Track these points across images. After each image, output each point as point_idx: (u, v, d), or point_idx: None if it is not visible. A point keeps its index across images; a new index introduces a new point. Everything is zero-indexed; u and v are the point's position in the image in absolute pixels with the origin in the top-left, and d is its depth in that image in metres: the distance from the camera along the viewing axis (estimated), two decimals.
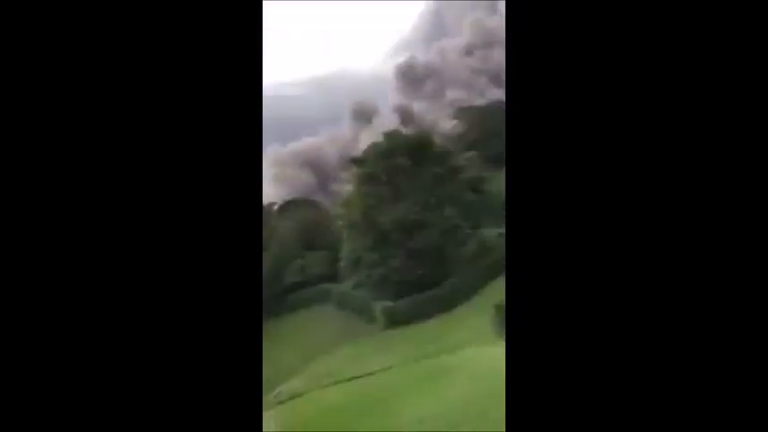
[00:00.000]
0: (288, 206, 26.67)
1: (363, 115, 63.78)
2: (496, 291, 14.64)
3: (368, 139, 62.24)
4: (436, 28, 75.48)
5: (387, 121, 62.10)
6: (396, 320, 14.78)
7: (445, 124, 58.85)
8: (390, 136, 17.10)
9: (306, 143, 59.75)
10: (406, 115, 61.42)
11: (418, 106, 61.68)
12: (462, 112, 47.44)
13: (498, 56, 57.90)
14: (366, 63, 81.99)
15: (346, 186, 21.09)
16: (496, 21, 60.05)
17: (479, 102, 59.70)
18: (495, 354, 8.57)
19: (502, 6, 65.58)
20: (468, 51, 61.43)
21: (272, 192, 44.87)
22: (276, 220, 22.31)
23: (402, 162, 15.96)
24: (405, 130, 61.77)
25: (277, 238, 19.97)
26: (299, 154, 57.06)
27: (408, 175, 16.01)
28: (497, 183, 18.66)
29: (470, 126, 37.83)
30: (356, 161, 16.43)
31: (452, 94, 61.00)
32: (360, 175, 16.03)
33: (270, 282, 17.22)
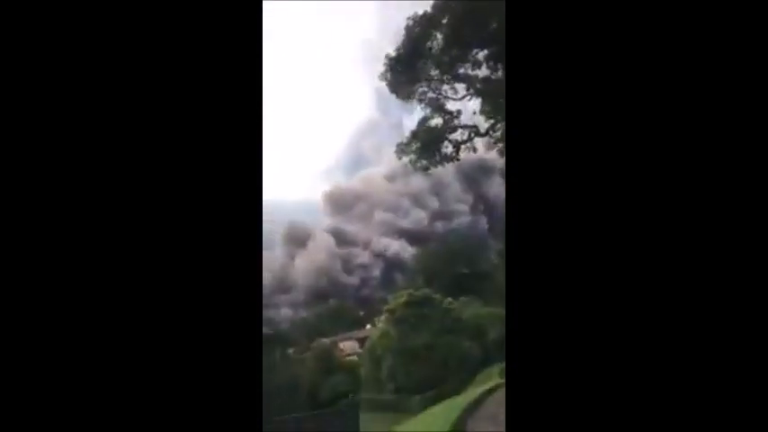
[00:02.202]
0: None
1: (296, 240, 65.88)
2: (486, 377, 20.13)
3: (303, 262, 64.27)
4: (355, 158, 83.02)
5: (321, 244, 64.96)
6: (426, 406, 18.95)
7: (378, 243, 63.31)
8: (411, 294, 24.89)
9: None
10: (339, 237, 65.08)
11: (350, 228, 65.85)
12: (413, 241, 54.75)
13: (416, 182, 64.77)
14: (291, 192, 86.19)
15: (378, 324, 29.55)
16: None
17: (404, 222, 65.77)
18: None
19: None
20: (390, 178, 67.91)
21: None
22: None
23: (418, 311, 23.24)
24: (340, 251, 64.23)
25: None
26: None
27: (422, 317, 23.10)
28: (469, 310, 26.03)
29: (428, 257, 43.91)
30: (389, 310, 24.62)
31: (380, 216, 66.40)
32: (391, 318, 23.94)
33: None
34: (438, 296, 25.53)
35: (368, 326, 39.77)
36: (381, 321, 28.37)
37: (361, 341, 32.95)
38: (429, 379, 21.79)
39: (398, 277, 54.46)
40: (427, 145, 11.83)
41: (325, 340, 30.51)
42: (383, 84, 11.22)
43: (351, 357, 30.11)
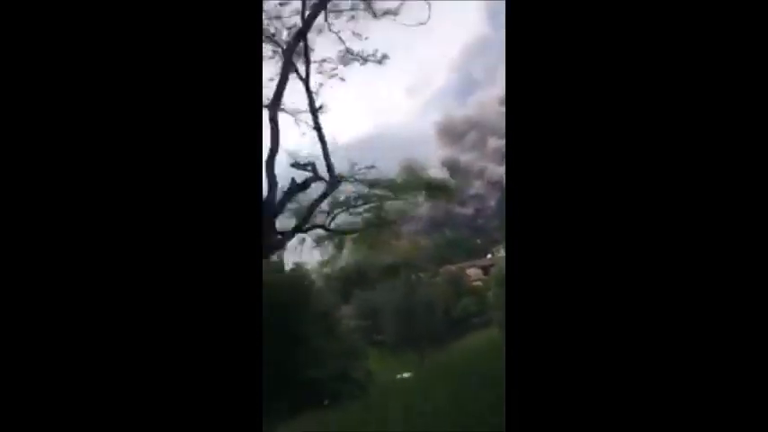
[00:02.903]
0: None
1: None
2: None
3: None
4: (466, 80, 79.41)
5: (436, 175, 65.19)
6: None
7: (493, 172, 61.77)
8: None
9: None
10: (453, 168, 64.59)
11: (464, 158, 64.82)
12: None
13: None
14: (402, 121, 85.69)
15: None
16: None
17: None
18: None
19: None
20: (505, 101, 64.18)
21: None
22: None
23: None
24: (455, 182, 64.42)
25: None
26: None
27: None
28: None
29: None
30: None
31: (494, 143, 64.07)
32: None
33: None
34: None
35: (488, 255, 40.31)
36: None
37: (484, 269, 33.88)
38: None
39: None
40: None
41: (452, 267, 31.95)
42: None
43: (476, 283, 31.29)
